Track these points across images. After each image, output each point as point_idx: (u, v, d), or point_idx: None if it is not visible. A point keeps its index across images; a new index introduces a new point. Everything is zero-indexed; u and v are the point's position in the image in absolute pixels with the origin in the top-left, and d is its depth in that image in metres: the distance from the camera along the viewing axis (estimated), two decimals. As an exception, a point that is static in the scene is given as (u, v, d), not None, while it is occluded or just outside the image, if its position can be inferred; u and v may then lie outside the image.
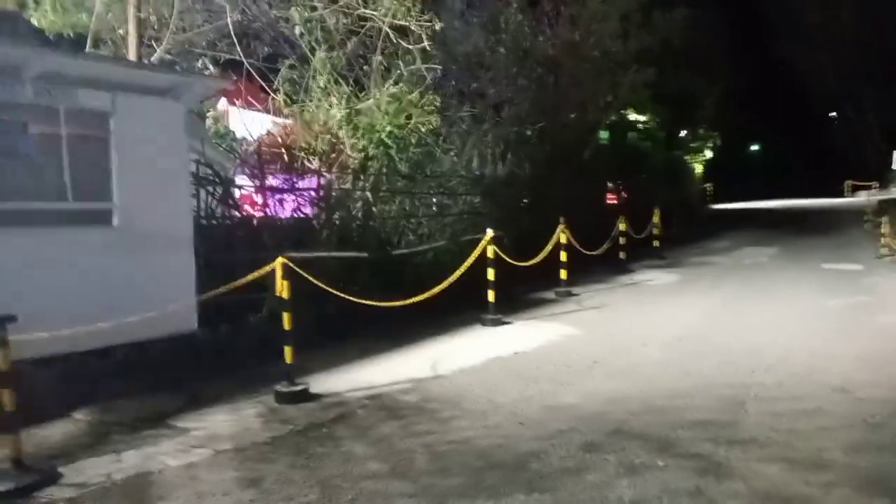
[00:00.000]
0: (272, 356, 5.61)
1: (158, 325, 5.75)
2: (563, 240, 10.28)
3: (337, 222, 8.12)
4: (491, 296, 8.11)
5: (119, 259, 5.79)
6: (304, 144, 7.97)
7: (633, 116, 21.53)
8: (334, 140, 7.93)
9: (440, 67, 9.23)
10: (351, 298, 6.20)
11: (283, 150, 7.86)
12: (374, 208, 8.52)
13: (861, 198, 30.27)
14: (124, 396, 5.43)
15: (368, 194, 8.69)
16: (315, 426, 4.70)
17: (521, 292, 10.37)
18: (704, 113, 28.13)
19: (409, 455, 4.08)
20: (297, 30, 8.04)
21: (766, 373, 5.78)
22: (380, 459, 4.02)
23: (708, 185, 36.85)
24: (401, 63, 8.42)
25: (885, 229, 14.22)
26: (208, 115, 7.88)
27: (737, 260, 14.73)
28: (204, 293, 6.10)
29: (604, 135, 17.59)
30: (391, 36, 8.04)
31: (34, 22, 8.40)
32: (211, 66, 8.50)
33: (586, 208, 14.08)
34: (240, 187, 7.52)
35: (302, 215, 8.13)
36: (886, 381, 5.40)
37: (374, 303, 6.68)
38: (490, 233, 7.99)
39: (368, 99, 8.10)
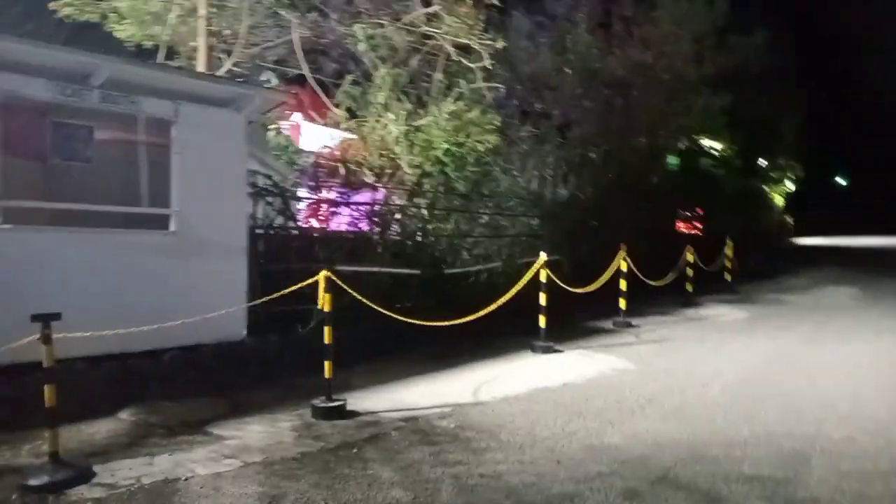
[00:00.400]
0: (317, 368, 5.53)
1: (208, 330, 5.85)
2: (624, 267, 9.91)
3: (391, 238, 8.08)
4: (542, 322, 7.86)
5: (173, 264, 5.92)
6: (360, 160, 8.00)
7: (706, 142, 20.78)
8: (391, 156, 7.92)
9: (502, 87, 9.09)
10: (394, 316, 6.08)
11: (340, 165, 7.92)
12: (428, 226, 8.44)
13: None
14: (169, 399, 5.49)
15: (424, 211, 8.63)
16: (346, 445, 4.60)
17: (577, 319, 10.06)
18: (784, 142, 26.87)
19: (435, 485, 3.90)
20: (361, 46, 8.10)
21: (836, 425, 5.30)
22: (404, 487, 3.87)
23: (788, 217, 35.16)
24: (462, 81, 8.35)
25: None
26: (271, 127, 8.02)
27: (815, 299, 13.88)
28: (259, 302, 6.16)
29: (673, 160, 17.01)
30: (453, 54, 7.98)
31: (116, 34, 8.84)
32: (274, 80, 8.68)
33: (653, 236, 13.61)
34: (297, 198, 7.58)
35: (357, 229, 8.14)
36: (976, 446, 4.85)
37: (420, 322, 6.56)
38: (543, 256, 7.75)
39: (427, 116, 8.06)
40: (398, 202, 8.34)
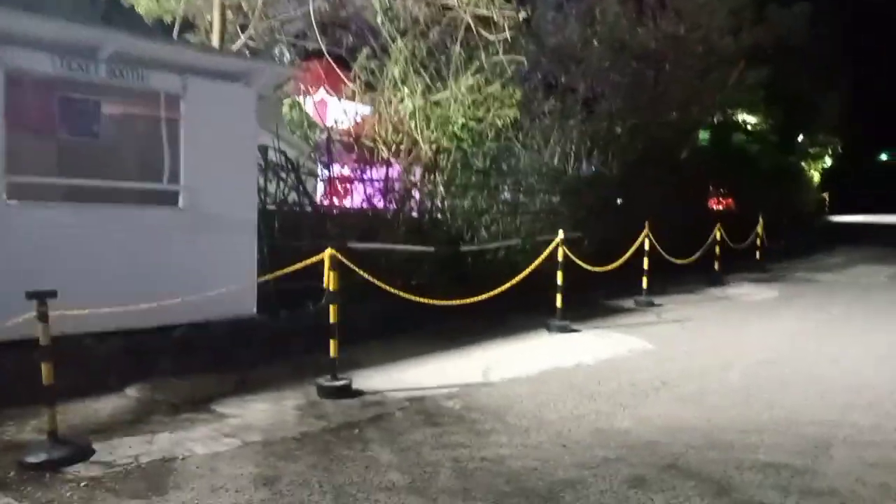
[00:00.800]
0: (327, 346, 5.45)
1: (218, 306, 5.80)
2: (647, 245, 9.64)
3: (406, 215, 7.94)
4: (559, 301, 7.68)
5: (183, 240, 5.88)
6: (375, 135, 7.85)
7: (741, 117, 20.08)
8: (407, 131, 7.76)
9: (524, 60, 8.80)
10: (402, 295, 5.97)
11: (353, 140, 7.78)
12: (444, 202, 8.29)
13: None
14: (177, 376, 5.49)
15: (441, 188, 8.47)
16: (348, 425, 4.53)
17: (597, 298, 9.85)
18: (824, 117, 25.86)
19: (434, 469, 3.80)
20: (379, 18, 7.90)
21: (863, 411, 5.06)
22: (402, 470, 3.78)
23: (825, 194, 34.03)
24: (482, 54, 8.10)
25: None
26: (287, 102, 7.91)
27: (849, 278, 13.42)
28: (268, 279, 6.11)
29: (704, 135, 16.47)
30: (472, 26, 7.72)
31: (137, 9, 8.79)
32: (288, 54, 8.55)
33: (682, 213, 13.24)
34: (310, 174, 7.48)
35: (372, 206, 8.03)
36: None
37: (432, 301, 6.45)
38: (561, 234, 7.55)
39: (445, 90, 7.85)
40: (413, 178, 8.18)
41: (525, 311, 8.15)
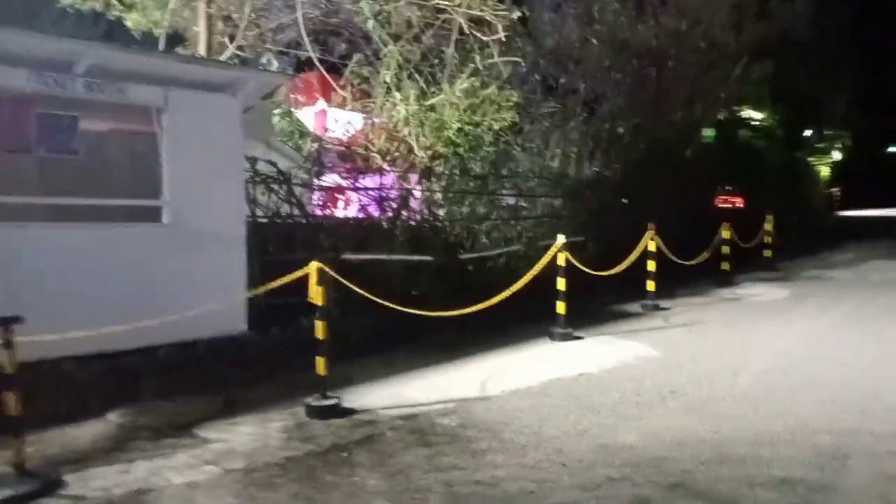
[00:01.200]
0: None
1: (207, 324, 5.60)
2: (652, 247, 9.38)
3: (402, 224, 7.73)
4: (560, 307, 7.43)
5: (168, 257, 5.70)
6: (368, 143, 7.66)
7: (747, 113, 19.77)
8: (400, 137, 7.55)
9: (521, 60, 8.59)
10: (395, 307, 5.75)
11: (346, 148, 7.59)
12: (441, 210, 8.07)
13: None
14: (162, 398, 5.29)
15: (439, 195, 8.26)
16: (336, 448, 4.31)
17: (602, 304, 9.58)
18: (832, 111, 25.48)
19: (423, 495, 3.58)
20: (370, 23, 7.72)
21: (881, 418, 4.79)
22: (389, 497, 3.55)
23: (835, 189, 33.57)
24: (477, 56, 7.89)
25: None
26: (276, 112, 7.74)
27: (861, 275, 13.07)
28: (256, 295, 5.90)
29: (709, 133, 16.18)
30: (466, 28, 7.52)
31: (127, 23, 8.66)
32: (276, 62, 8.37)
33: (688, 213, 12.95)
34: (302, 185, 7.29)
35: (367, 216, 7.82)
36: None
37: (429, 312, 6.23)
38: (561, 238, 7.31)
39: (439, 95, 7.64)
40: (408, 186, 7.97)
41: (527, 319, 7.90)
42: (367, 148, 7.66)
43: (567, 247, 7.55)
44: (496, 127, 7.95)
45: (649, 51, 13.36)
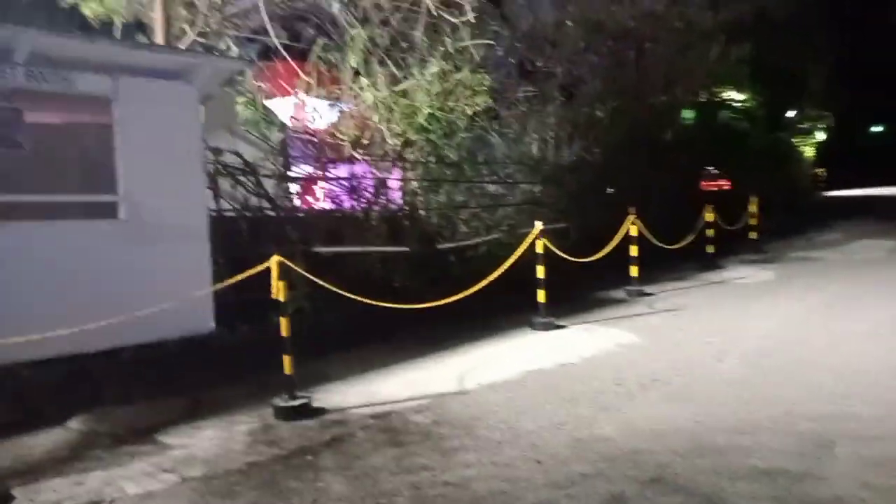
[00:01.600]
0: (295, 358, 5.04)
1: (170, 323, 5.38)
2: (634, 232, 9.21)
3: (375, 214, 7.50)
4: (541, 296, 7.25)
5: (126, 254, 5.45)
6: (336, 130, 7.41)
7: (728, 94, 19.63)
8: (370, 125, 7.31)
9: (493, 43, 8.36)
10: (365, 301, 5.53)
11: (313, 136, 7.34)
12: (417, 199, 7.85)
13: None
14: (124, 403, 5.07)
15: (415, 184, 8.03)
16: (301, 451, 4.10)
17: (586, 291, 9.43)
18: (814, 91, 25.41)
19: (388, 499, 3.38)
20: (335, 6, 7.45)
21: (865, 401, 4.65)
22: (353, 502, 3.36)
23: (819, 170, 33.61)
24: (447, 40, 7.65)
25: None
26: (240, 101, 7.46)
27: (847, 255, 13.00)
28: (223, 291, 5.67)
29: (688, 115, 16.02)
30: (433, 9, 7.27)
31: (86, 12, 8.34)
32: (235, 48, 8.09)
33: (671, 196, 12.80)
34: (269, 176, 7.04)
35: (340, 207, 7.59)
36: None
37: (405, 305, 6.02)
38: (539, 225, 7.12)
39: (409, 80, 7.40)
40: (381, 175, 7.74)
41: (509, 309, 7.72)
42: (333, 135, 7.40)
43: (546, 234, 7.36)
44: (469, 112, 7.71)
45: (626, 32, 13.15)
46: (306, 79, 7.65)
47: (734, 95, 20.17)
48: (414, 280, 7.57)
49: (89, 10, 8.00)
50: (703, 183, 17.84)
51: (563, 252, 7.82)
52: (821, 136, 31.27)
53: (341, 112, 7.60)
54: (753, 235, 14.19)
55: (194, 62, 5.63)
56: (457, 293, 6.34)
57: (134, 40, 6.97)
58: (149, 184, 5.46)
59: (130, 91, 5.31)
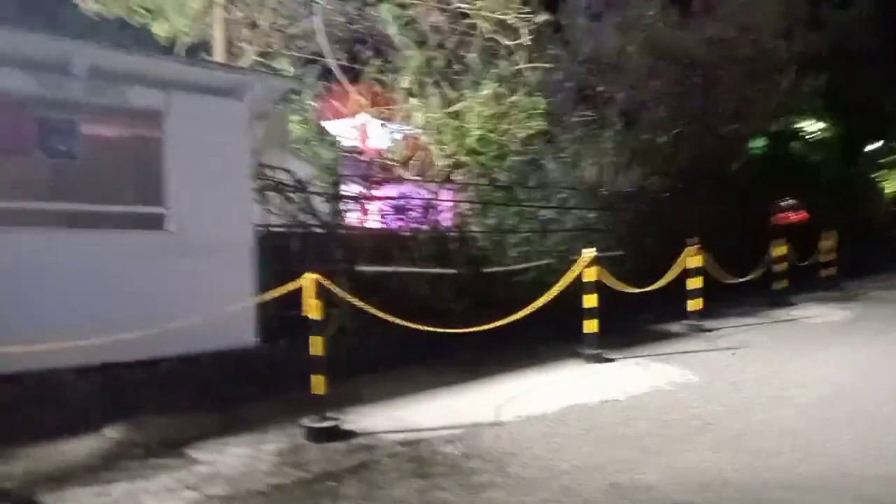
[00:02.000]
0: (330, 380, 4.94)
1: (211, 337, 5.40)
2: (695, 263, 8.77)
3: (423, 235, 7.41)
4: (589, 326, 6.94)
5: (171, 267, 5.51)
6: (388, 150, 7.38)
7: (802, 124, 18.76)
8: (421, 145, 7.25)
9: (551, 66, 8.19)
10: (402, 323, 5.40)
11: (363, 155, 7.33)
12: (466, 220, 7.71)
13: None
14: (160, 414, 5.08)
15: (464, 206, 7.90)
16: (326, 476, 3.98)
17: (641, 323, 9.04)
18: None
19: (405, 536, 3.21)
20: (392, 29, 7.47)
21: (945, 464, 4.18)
22: (367, 538, 3.20)
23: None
24: (501, 63, 7.53)
25: None
26: (293, 119, 7.54)
27: (929, 297, 12.07)
28: (266, 306, 5.67)
29: (758, 144, 15.34)
30: (487, 32, 7.18)
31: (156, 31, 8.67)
32: (291, 68, 8.21)
33: (739, 227, 12.22)
34: (318, 193, 7.06)
35: (387, 226, 7.54)
36: None
37: (445, 329, 5.87)
38: (590, 252, 6.84)
39: (462, 101, 7.31)
40: (430, 197, 7.64)
41: (557, 338, 7.44)
42: (380, 155, 7.38)
43: (599, 261, 7.08)
44: (521, 135, 7.54)
45: (693, 59, 12.75)
46: (360, 99, 7.68)
47: (808, 126, 19.27)
48: (459, 303, 7.40)
49: (160, 29, 8.29)
50: (777, 215, 17.02)
51: (618, 281, 7.50)
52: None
53: (393, 133, 7.57)
54: (829, 272, 13.40)
55: (245, 79, 5.70)
56: (502, 318, 6.14)
57: (184, 57, 7.16)
58: (196, 197, 5.53)
59: (182, 106, 5.41)
